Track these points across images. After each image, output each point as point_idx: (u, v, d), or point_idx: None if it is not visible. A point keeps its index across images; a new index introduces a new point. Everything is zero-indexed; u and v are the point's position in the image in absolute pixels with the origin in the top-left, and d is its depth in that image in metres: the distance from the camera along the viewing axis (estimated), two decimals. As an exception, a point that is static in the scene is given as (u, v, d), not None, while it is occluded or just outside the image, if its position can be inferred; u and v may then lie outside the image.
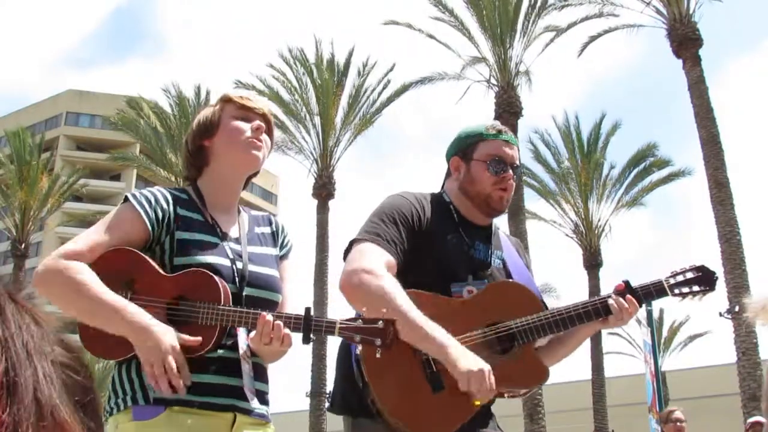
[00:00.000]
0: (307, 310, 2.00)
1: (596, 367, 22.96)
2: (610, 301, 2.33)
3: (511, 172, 2.43)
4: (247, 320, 1.98)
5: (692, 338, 33.62)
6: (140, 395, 1.97)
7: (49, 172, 29.26)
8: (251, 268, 2.15)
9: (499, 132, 2.47)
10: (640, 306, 2.37)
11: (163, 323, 1.95)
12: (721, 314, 15.44)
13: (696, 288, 2.41)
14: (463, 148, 2.48)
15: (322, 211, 22.52)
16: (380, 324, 1.93)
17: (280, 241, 2.33)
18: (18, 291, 0.70)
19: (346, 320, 1.96)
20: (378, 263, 2.19)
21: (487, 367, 2.13)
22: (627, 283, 2.39)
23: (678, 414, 7.00)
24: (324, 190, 22.72)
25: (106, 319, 1.93)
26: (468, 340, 2.23)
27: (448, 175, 2.53)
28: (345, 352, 2.30)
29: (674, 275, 2.41)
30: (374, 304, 2.07)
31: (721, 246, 15.35)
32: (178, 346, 1.92)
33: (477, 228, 2.48)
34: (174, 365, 1.89)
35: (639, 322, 13.43)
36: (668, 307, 34.10)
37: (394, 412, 2.14)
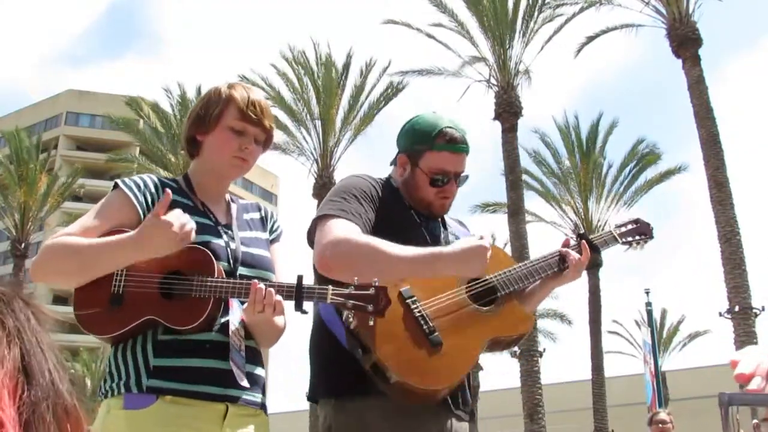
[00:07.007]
0: (299, 277, 1.99)
1: (596, 367, 22.94)
2: (564, 250, 2.48)
3: (454, 181, 2.42)
4: (240, 291, 1.99)
5: (692, 338, 33.66)
6: (133, 382, 1.97)
7: (48, 172, 29.24)
8: (243, 249, 2.18)
9: (449, 141, 2.38)
10: (593, 253, 2.54)
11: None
12: (721, 314, 15.44)
13: (638, 237, 2.70)
14: (411, 152, 2.43)
15: (322, 211, 22.49)
16: (372, 291, 1.94)
17: (269, 226, 2.36)
18: (21, 289, 0.74)
19: (338, 287, 1.97)
20: (347, 231, 2.18)
21: (476, 242, 2.19)
22: (582, 234, 2.58)
23: (662, 416, 6.91)
24: (324, 190, 22.68)
25: (104, 259, 1.97)
26: (453, 295, 2.27)
27: (395, 163, 2.50)
28: (321, 334, 2.29)
29: (619, 227, 2.70)
30: (362, 264, 2.08)
31: (721, 246, 15.37)
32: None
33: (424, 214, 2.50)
34: (180, 221, 1.94)
35: (639, 322, 13.44)
36: (669, 306, 34.13)
37: (400, 370, 2.12)
